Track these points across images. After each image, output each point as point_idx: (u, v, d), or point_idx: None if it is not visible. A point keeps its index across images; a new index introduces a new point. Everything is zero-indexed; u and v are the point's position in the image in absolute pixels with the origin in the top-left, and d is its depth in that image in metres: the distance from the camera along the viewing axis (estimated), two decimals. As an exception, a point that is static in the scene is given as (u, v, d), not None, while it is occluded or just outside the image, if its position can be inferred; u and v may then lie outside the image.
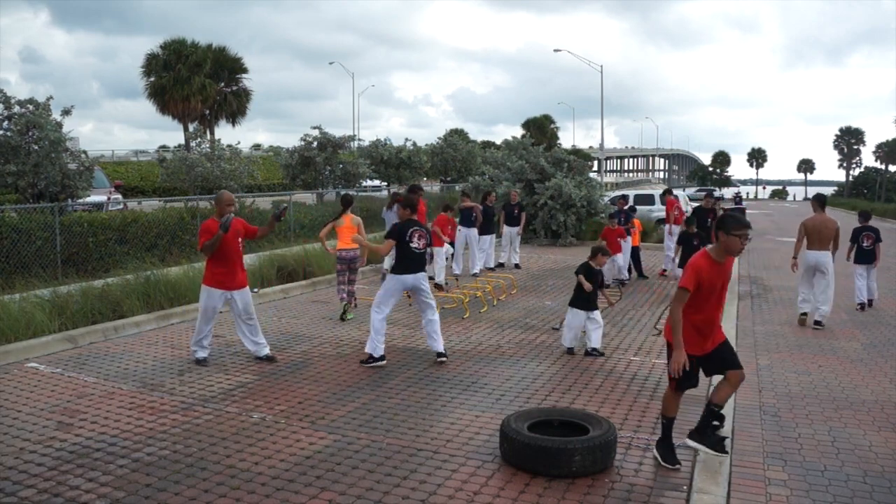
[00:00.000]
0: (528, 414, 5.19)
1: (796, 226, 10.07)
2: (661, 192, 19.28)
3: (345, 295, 9.66)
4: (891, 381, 7.06)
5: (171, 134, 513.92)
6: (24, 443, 5.18)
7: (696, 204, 22.12)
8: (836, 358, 7.96)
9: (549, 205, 19.26)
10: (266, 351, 7.47)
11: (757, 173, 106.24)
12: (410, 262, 7.28)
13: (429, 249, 7.62)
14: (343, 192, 13.70)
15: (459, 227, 13.78)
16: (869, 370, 7.46)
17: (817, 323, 9.56)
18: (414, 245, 7.25)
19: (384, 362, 7.33)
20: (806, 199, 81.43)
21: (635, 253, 13.88)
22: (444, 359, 7.40)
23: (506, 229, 14.92)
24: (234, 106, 43.07)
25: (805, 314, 9.79)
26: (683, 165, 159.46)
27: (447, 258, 13.24)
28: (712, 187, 73.66)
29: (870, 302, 11.07)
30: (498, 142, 62.11)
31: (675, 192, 18.67)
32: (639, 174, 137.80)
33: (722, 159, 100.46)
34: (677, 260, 12.08)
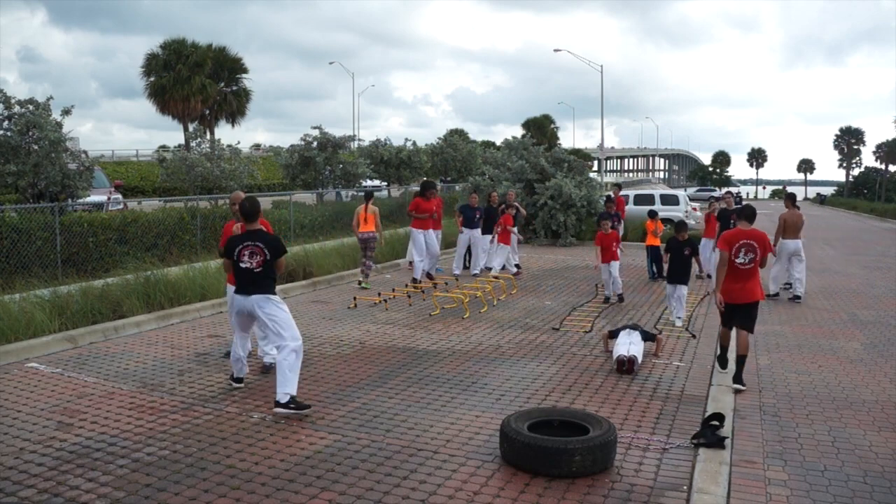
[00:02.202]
0: (529, 414, 5.18)
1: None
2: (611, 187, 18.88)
3: (364, 262, 12.43)
4: (891, 381, 7.05)
5: (170, 134, 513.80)
6: (24, 443, 5.18)
7: (696, 204, 22.12)
8: (836, 358, 7.95)
9: (549, 205, 19.26)
10: (266, 359, 7.04)
11: (757, 173, 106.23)
12: (239, 280, 6.11)
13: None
14: (366, 189, 17.06)
15: (463, 227, 13.71)
16: (869, 370, 7.46)
17: (797, 297, 11.45)
18: (244, 264, 6.04)
19: (240, 385, 6.53)
20: (806, 198, 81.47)
21: (656, 252, 13.88)
22: (280, 409, 5.76)
23: None
24: (234, 106, 43.13)
25: (778, 293, 11.74)
26: (683, 165, 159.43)
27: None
28: (713, 187, 73.71)
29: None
30: (498, 142, 62.08)
31: (677, 192, 18.64)
32: (639, 174, 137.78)
33: (722, 159, 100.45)
34: (666, 266, 10.26)
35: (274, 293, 6.12)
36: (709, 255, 12.69)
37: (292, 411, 5.71)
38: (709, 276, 12.47)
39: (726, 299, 6.88)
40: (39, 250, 11.22)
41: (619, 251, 11.38)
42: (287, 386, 5.76)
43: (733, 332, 6.94)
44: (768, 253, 6.97)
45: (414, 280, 12.40)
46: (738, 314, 6.86)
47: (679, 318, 9.52)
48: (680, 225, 10.13)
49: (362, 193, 15.52)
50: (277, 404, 5.75)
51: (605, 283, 11.39)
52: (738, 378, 6.70)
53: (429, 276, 12.72)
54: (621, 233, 15.16)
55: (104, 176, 19.18)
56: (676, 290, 9.57)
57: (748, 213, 7.08)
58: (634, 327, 7.88)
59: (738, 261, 6.80)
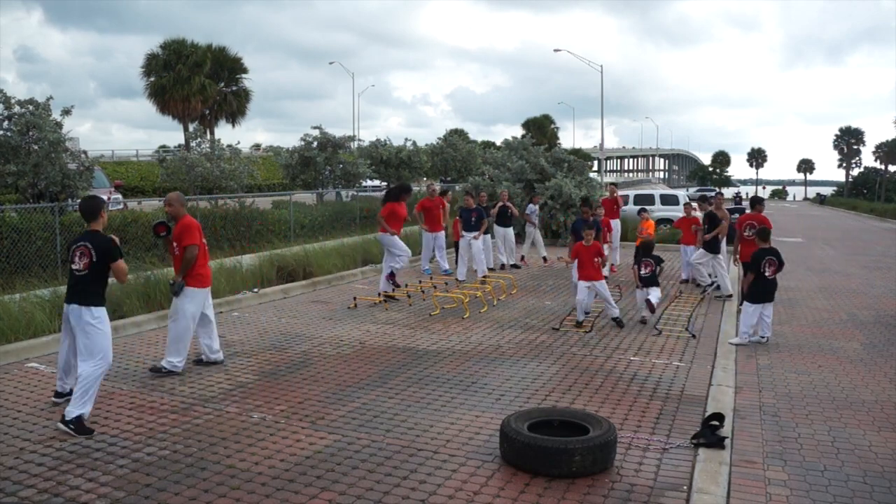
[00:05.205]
0: (528, 414, 5.19)
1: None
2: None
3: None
4: (891, 381, 7.06)
5: (169, 134, 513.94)
6: (24, 443, 5.18)
7: (696, 204, 22.20)
8: (836, 358, 7.96)
9: (549, 205, 19.26)
10: (214, 356, 7.26)
11: (757, 173, 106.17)
12: (68, 284, 5.77)
13: None
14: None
15: (463, 232, 13.44)
16: (869, 370, 7.46)
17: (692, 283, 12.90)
18: (74, 266, 5.69)
19: (60, 400, 5.94)
20: (806, 198, 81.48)
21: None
22: (61, 425, 5.36)
23: (499, 230, 14.74)
24: (234, 106, 43.19)
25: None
26: (683, 165, 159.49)
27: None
28: (712, 187, 73.70)
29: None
30: (498, 142, 62.12)
31: (677, 192, 18.62)
32: (639, 174, 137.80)
33: (722, 159, 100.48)
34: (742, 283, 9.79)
35: (97, 305, 5.64)
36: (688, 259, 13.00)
37: (71, 431, 5.29)
38: (697, 284, 12.53)
39: (743, 259, 10.08)
40: (39, 250, 11.22)
41: (603, 268, 9.81)
42: (79, 403, 5.38)
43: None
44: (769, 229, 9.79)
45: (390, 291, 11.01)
46: None
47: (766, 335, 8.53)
48: (762, 232, 8.91)
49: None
50: (63, 419, 5.36)
51: (577, 304, 9.26)
52: None
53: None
54: (618, 240, 15.14)
55: (104, 176, 19.20)
56: (766, 308, 8.43)
57: (754, 203, 11.02)
58: (652, 280, 9.68)
59: (745, 233, 10.37)
